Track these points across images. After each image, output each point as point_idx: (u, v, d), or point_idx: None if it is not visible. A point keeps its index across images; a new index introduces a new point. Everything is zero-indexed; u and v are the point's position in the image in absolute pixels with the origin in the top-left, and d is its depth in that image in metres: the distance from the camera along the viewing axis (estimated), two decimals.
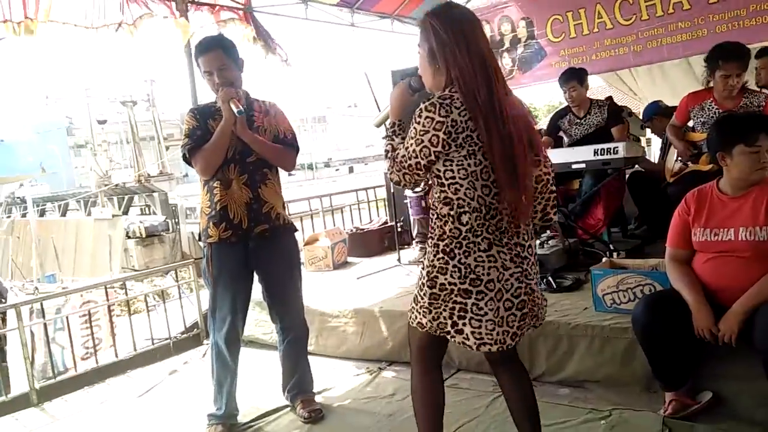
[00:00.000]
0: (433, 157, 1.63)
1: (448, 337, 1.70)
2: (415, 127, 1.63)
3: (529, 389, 1.85)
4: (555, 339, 2.73)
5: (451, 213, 1.65)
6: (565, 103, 4.42)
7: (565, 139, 4.41)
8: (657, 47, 5.26)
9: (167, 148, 21.73)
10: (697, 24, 5.00)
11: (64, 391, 3.36)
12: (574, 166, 3.67)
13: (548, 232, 3.96)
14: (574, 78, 4.20)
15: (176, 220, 15.30)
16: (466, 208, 1.63)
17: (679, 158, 3.64)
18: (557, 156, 3.77)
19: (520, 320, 1.70)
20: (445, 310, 1.67)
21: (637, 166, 4.11)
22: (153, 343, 3.85)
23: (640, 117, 5.21)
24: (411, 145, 1.64)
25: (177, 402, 3.09)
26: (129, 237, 14.50)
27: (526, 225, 1.72)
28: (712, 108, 3.38)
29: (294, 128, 2.71)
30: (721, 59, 3.23)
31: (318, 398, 2.83)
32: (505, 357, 1.81)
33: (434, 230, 1.70)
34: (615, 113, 4.22)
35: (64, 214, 19.05)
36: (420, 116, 1.62)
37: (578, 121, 4.29)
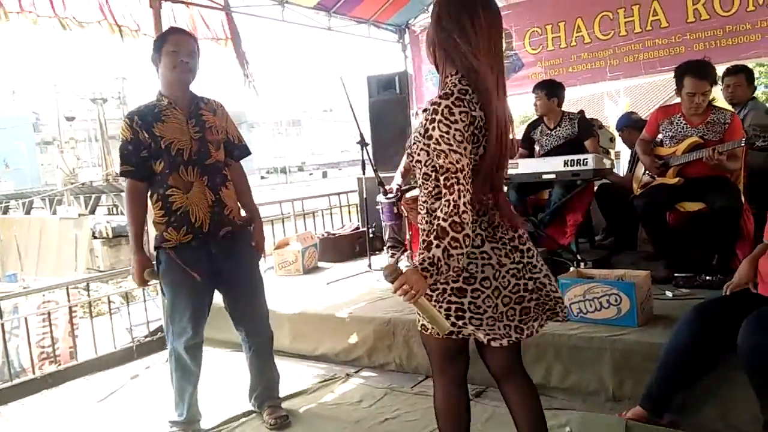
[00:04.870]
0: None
1: (457, 334, 1.58)
2: (457, 128, 1.46)
3: (537, 406, 1.76)
4: (522, 347, 2.73)
5: None
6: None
7: (537, 149, 4.47)
8: (634, 62, 5.40)
9: None
10: (674, 41, 5.15)
11: (21, 395, 3.25)
12: (544, 177, 3.72)
13: None
14: (543, 88, 4.27)
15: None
16: None
17: (647, 171, 3.71)
18: (528, 166, 3.82)
19: (521, 315, 1.62)
20: (446, 309, 1.56)
21: (604, 179, 4.18)
22: (115, 347, 3.75)
23: (610, 130, 5.32)
24: (455, 150, 1.45)
25: (138, 408, 3.02)
26: (95, 237, 14.18)
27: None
28: (681, 123, 3.46)
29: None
30: (686, 77, 3.31)
31: (284, 404, 2.79)
32: (508, 372, 1.77)
33: (433, 226, 1.50)
34: (586, 127, 4.29)
35: (28, 212, 18.57)
36: (452, 114, 1.47)
37: (549, 132, 4.35)
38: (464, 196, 1.45)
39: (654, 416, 2.21)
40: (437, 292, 1.57)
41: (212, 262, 2.49)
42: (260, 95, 4.95)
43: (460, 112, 1.47)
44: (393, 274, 1.46)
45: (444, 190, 1.47)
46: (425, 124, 1.51)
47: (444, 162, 1.47)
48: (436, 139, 1.48)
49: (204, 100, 2.56)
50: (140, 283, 2.52)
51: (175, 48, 2.41)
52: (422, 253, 1.46)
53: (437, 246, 1.44)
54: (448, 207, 1.45)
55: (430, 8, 6.51)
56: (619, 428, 2.22)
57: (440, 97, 1.50)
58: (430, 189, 1.59)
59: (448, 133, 1.46)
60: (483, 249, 1.56)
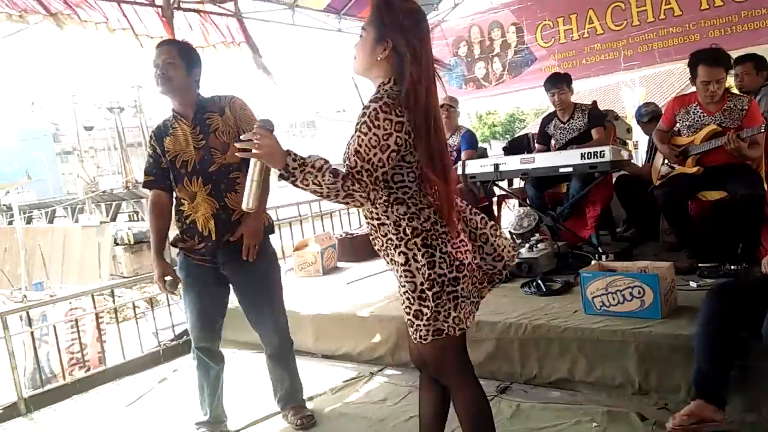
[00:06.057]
0: (397, 158, 1.55)
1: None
2: (375, 133, 1.49)
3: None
4: (546, 342, 2.74)
5: (411, 211, 1.60)
6: (551, 109, 4.47)
7: (553, 143, 4.45)
8: (648, 51, 5.35)
9: None
10: (688, 29, 5.10)
11: (52, 401, 3.32)
12: (561, 170, 3.69)
13: (537, 235, 3.99)
14: (563, 81, 4.25)
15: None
16: (422, 206, 1.61)
17: (666, 162, 3.68)
18: (545, 160, 3.80)
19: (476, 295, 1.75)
20: (449, 302, 1.60)
21: (623, 170, 4.15)
22: (142, 351, 3.81)
23: (627, 120, 5.27)
24: (375, 154, 1.49)
25: (166, 410, 3.06)
26: (117, 244, 14.36)
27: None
28: (697, 112, 3.42)
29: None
30: (699, 66, 3.27)
31: (309, 404, 2.82)
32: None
33: (400, 232, 1.60)
34: (596, 116, 4.27)
35: (51, 221, 18.89)
36: (377, 119, 1.50)
37: (562, 125, 4.33)
38: (351, 191, 1.48)
39: (720, 405, 2.10)
40: (445, 283, 1.58)
41: (222, 267, 2.51)
42: (281, 89, 5.01)
43: (385, 119, 1.51)
44: (267, 125, 1.54)
45: (343, 179, 1.48)
46: (355, 126, 1.57)
47: (349, 159, 1.52)
48: (354, 137, 1.53)
49: (214, 100, 2.49)
50: (162, 290, 2.55)
51: (155, 62, 2.41)
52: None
53: (322, 168, 1.47)
54: (336, 185, 1.47)
55: (440, 6, 6.53)
56: (647, 426, 2.21)
57: (371, 101, 1.55)
58: (384, 198, 1.61)
59: (366, 135, 1.50)
60: (461, 237, 1.66)
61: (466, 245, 1.66)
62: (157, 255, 2.52)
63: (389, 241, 1.63)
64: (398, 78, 1.58)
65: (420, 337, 1.62)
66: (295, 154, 1.49)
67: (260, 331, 2.67)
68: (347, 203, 1.54)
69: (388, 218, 1.61)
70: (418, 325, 1.61)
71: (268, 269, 2.60)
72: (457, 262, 1.60)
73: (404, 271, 1.60)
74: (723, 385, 2.13)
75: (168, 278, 2.49)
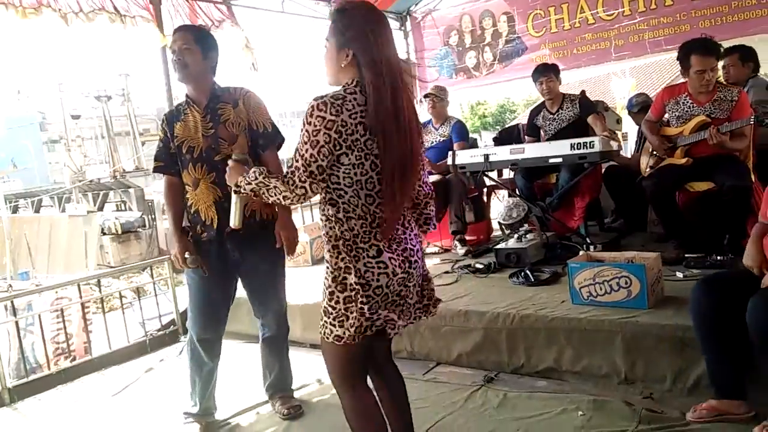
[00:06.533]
0: (331, 156, 1.57)
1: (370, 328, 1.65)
2: (307, 129, 1.56)
3: (403, 391, 1.91)
4: (533, 332, 2.75)
5: (339, 216, 1.62)
6: (540, 100, 4.46)
7: (542, 135, 4.44)
8: (639, 42, 5.34)
9: (143, 143, 21.43)
10: (679, 19, 5.10)
11: (37, 390, 3.29)
12: (551, 161, 3.69)
13: (526, 226, 3.99)
14: (550, 70, 4.25)
15: (153, 216, 15.06)
16: (352, 214, 1.61)
17: (655, 152, 3.68)
18: (535, 150, 3.80)
19: (385, 319, 1.68)
20: (354, 311, 1.62)
21: (612, 160, 4.15)
22: (128, 341, 3.78)
23: (617, 111, 5.28)
24: (307, 150, 1.56)
25: (153, 400, 3.05)
26: (104, 233, 14.25)
27: (412, 229, 1.74)
28: (687, 102, 3.42)
29: (272, 117, 2.57)
30: (693, 56, 3.27)
31: (297, 394, 2.81)
32: (383, 359, 1.88)
33: (327, 230, 1.65)
34: (587, 105, 4.26)
35: (37, 211, 18.68)
36: (311, 115, 1.56)
37: (551, 116, 4.32)
38: (290, 190, 1.59)
39: (739, 397, 2.08)
40: (354, 292, 1.60)
41: (227, 257, 2.50)
42: (260, 72, 4.93)
43: (317, 116, 1.55)
44: (236, 157, 1.87)
45: (288, 174, 1.60)
46: None
47: (294, 154, 1.60)
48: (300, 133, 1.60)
49: (229, 90, 2.50)
50: (183, 265, 2.51)
51: (171, 48, 2.43)
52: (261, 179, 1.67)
53: (262, 173, 1.67)
54: (280, 191, 1.62)
55: None
56: (633, 416, 2.22)
57: (313, 98, 1.58)
58: (323, 195, 1.65)
59: (302, 130, 1.58)
60: (380, 259, 1.62)
61: (386, 268, 1.61)
62: (177, 232, 2.51)
63: (325, 234, 1.68)
64: (362, 81, 1.60)
65: (324, 333, 1.69)
66: (247, 174, 1.71)
67: (263, 315, 2.68)
68: (293, 194, 1.61)
69: (323, 214, 1.67)
70: (325, 321, 1.68)
71: (276, 256, 2.63)
72: (363, 280, 1.60)
73: (326, 266, 1.68)
74: (737, 376, 2.09)
75: (188, 255, 2.46)
